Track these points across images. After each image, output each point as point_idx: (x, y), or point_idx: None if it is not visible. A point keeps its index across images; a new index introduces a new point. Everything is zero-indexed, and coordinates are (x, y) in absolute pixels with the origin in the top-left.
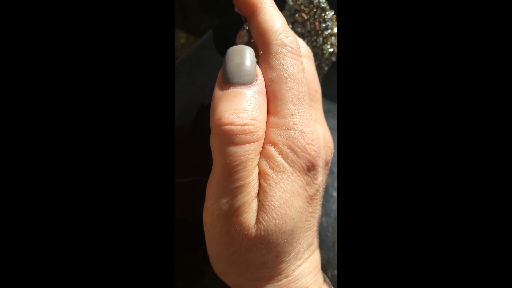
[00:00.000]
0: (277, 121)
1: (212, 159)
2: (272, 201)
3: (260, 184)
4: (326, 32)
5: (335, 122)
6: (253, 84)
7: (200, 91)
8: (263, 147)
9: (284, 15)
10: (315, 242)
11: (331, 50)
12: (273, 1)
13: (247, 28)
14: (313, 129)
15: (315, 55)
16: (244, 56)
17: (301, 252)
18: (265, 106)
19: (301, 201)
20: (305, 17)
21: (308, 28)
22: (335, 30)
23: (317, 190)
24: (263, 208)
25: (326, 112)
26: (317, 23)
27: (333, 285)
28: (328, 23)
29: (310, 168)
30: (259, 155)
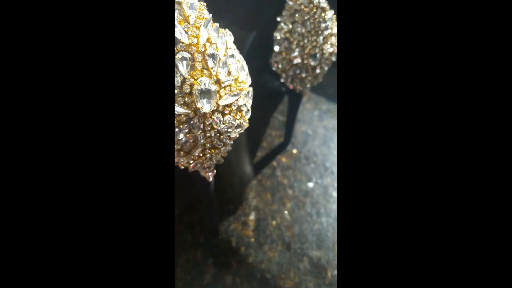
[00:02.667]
0: None
1: None
2: None
3: None
4: (326, 32)
5: (335, 122)
6: None
7: None
8: None
9: (284, 15)
10: None
11: (331, 50)
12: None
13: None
14: None
15: (315, 55)
16: None
17: None
18: None
19: None
20: (305, 17)
21: (308, 28)
22: (335, 30)
23: None
24: None
25: (326, 112)
26: (317, 23)
27: (333, 285)
28: (328, 23)
29: None
30: None
